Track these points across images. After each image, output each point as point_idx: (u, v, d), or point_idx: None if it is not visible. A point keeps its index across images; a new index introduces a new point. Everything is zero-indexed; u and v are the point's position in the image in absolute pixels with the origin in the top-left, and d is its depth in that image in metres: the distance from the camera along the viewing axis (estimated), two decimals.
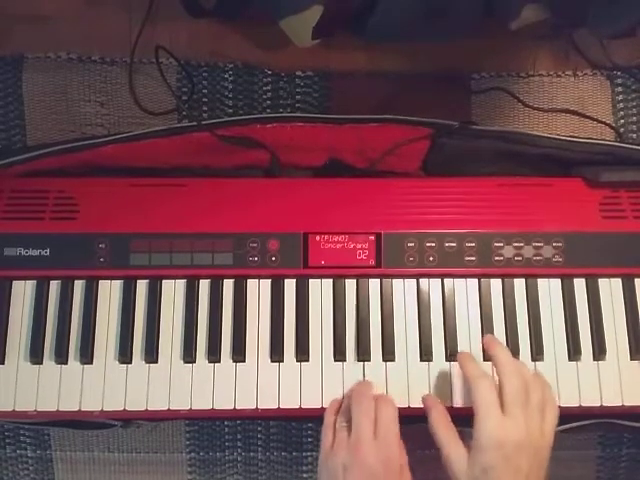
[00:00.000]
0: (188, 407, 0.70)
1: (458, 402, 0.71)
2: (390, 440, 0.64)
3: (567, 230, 0.75)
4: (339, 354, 0.72)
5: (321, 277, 0.74)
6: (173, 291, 0.73)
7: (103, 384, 0.70)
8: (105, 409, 0.70)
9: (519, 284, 0.74)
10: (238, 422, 0.88)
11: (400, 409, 0.70)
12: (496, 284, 0.74)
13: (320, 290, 0.74)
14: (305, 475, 0.90)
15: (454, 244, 0.74)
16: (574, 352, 0.72)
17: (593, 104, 0.90)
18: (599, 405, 0.72)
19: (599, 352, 0.73)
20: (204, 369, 0.71)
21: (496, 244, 0.74)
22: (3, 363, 0.71)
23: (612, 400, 0.72)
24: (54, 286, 0.73)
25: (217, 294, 0.73)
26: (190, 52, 0.88)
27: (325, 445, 0.66)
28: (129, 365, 0.71)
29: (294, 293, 0.73)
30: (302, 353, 0.72)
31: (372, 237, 0.74)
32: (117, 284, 0.73)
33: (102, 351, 0.71)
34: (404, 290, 0.74)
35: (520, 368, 0.66)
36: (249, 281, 0.74)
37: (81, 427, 0.81)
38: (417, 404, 0.71)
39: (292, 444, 0.89)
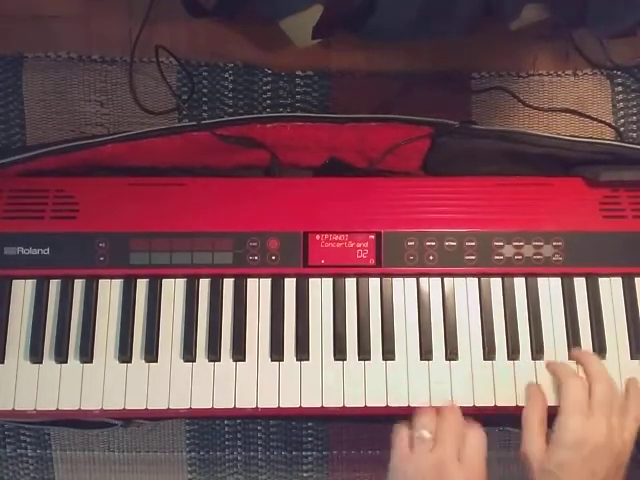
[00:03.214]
0: (188, 406, 0.70)
1: (458, 401, 0.71)
2: (474, 465, 0.63)
3: (567, 229, 0.74)
4: (339, 353, 0.72)
5: (321, 276, 0.74)
6: (173, 290, 0.73)
7: (103, 383, 0.70)
8: (105, 408, 0.70)
9: (519, 283, 0.74)
10: (238, 421, 0.89)
11: (400, 409, 0.71)
12: (496, 283, 0.74)
13: (320, 289, 0.74)
14: (305, 475, 0.90)
15: (454, 243, 0.74)
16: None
17: (593, 104, 0.90)
18: None
19: (599, 351, 0.72)
20: (204, 368, 0.71)
21: (496, 243, 0.74)
22: (3, 362, 0.71)
23: None
24: (54, 285, 0.73)
25: (217, 293, 0.73)
26: (190, 52, 0.88)
27: (401, 448, 0.65)
28: (129, 364, 0.71)
29: (294, 292, 0.73)
30: (302, 352, 0.71)
31: (372, 236, 0.74)
32: (117, 283, 0.73)
33: (102, 350, 0.71)
34: (404, 289, 0.74)
35: (608, 377, 0.67)
36: (249, 280, 0.73)
37: (81, 426, 0.81)
38: (417, 403, 0.70)
39: (292, 443, 0.89)
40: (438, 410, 0.68)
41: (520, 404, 0.70)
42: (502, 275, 0.74)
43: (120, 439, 0.88)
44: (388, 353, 0.72)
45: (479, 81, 0.90)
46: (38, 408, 0.70)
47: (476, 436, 0.65)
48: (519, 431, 0.67)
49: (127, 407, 0.70)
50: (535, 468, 0.63)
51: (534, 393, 0.69)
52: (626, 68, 0.90)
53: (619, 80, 0.90)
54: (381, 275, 0.74)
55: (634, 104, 0.90)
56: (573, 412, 0.64)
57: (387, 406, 0.70)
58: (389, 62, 0.89)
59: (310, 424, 0.89)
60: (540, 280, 0.74)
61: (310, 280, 0.74)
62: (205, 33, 0.88)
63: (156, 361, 0.71)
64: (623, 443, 0.64)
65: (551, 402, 0.69)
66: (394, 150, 0.79)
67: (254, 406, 0.70)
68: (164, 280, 0.73)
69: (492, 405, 0.71)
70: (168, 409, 0.70)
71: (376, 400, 0.71)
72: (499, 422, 0.85)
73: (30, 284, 0.73)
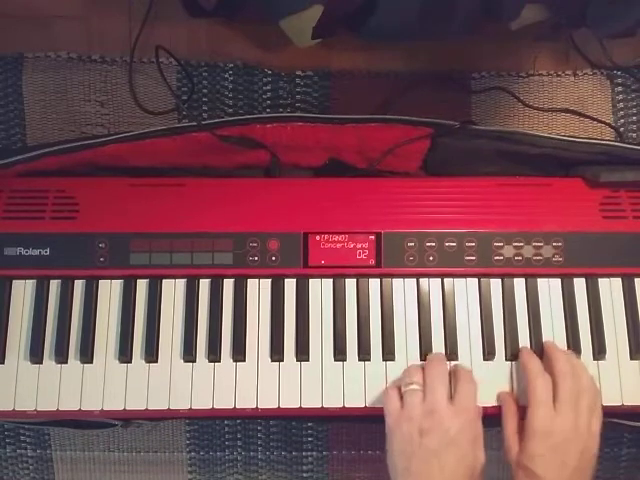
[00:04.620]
0: (188, 406, 0.70)
1: None
2: (468, 406, 0.65)
3: (567, 230, 0.75)
4: (339, 353, 0.72)
5: (321, 277, 0.74)
6: (173, 291, 0.73)
7: (103, 383, 0.70)
8: (105, 408, 0.70)
9: (519, 284, 0.74)
10: (238, 422, 0.89)
11: None
12: (496, 284, 0.74)
13: (320, 290, 0.74)
14: (305, 475, 0.90)
15: (454, 244, 0.74)
16: (574, 352, 0.72)
17: (593, 104, 0.90)
18: None
19: (599, 352, 0.73)
20: (204, 368, 0.71)
21: (496, 244, 0.74)
22: (3, 363, 0.71)
23: (612, 400, 0.71)
24: (54, 286, 0.73)
25: (217, 294, 0.73)
26: (190, 52, 0.88)
27: (392, 408, 0.66)
28: (129, 364, 0.71)
29: (294, 293, 0.73)
30: (302, 353, 0.72)
31: (372, 237, 0.74)
32: (117, 284, 0.73)
33: (102, 350, 0.71)
34: (404, 290, 0.74)
35: (578, 371, 0.68)
36: (249, 281, 0.74)
37: (81, 427, 0.81)
38: None
39: (292, 444, 0.89)
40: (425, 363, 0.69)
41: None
42: (502, 275, 0.74)
43: (120, 439, 0.88)
44: (388, 353, 0.72)
45: (479, 81, 0.90)
46: (38, 408, 0.70)
47: (466, 378, 0.67)
48: None
49: (127, 407, 0.70)
50: (513, 464, 0.65)
51: (506, 400, 0.70)
52: (626, 68, 0.90)
53: (619, 80, 0.90)
54: (381, 275, 0.74)
55: (634, 104, 0.90)
56: (538, 407, 0.65)
57: None
58: (389, 62, 0.89)
59: (310, 424, 0.89)
60: (540, 281, 0.74)
61: (310, 280, 0.74)
62: (205, 33, 0.88)
63: (156, 361, 0.71)
64: (590, 436, 0.65)
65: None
66: (394, 150, 0.79)
67: (254, 406, 0.70)
68: (164, 280, 0.73)
69: (492, 405, 0.71)
70: (168, 409, 0.70)
71: (376, 400, 0.71)
72: (499, 422, 0.85)
73: (30, 284, 0.73)
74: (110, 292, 0.73)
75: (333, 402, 0.71)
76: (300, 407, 0.71)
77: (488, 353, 0.72)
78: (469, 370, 0.70)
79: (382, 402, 0.69)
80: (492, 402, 0.71)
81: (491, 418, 0.72)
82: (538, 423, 0.65)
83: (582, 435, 0.65)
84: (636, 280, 0.75)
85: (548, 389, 0.66)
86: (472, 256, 0.74)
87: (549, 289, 0.74)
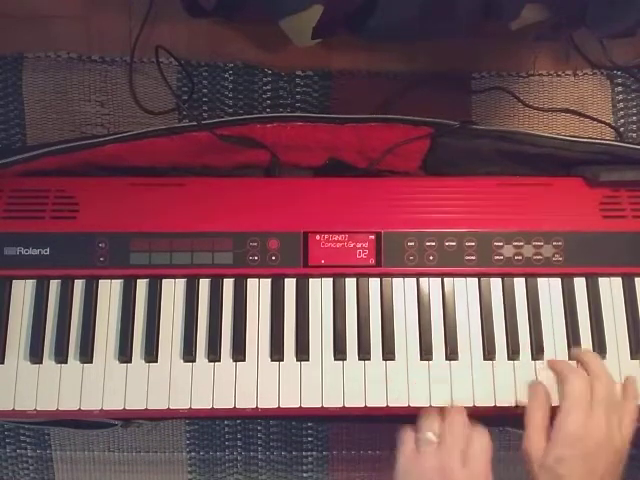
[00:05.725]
0: (188, 406, 0.70)
1: (458, 401, 0.71)
2: (480, 471, 0.64)
3: (567, 229, 0.75)
4: (339, 353, 0.72)
5: (321, 276, 0.74)
6: (173, 290, 0.73)
7: (103, 383, 0.70)
8: (105, 408, 0.70)
9: (519, 283, 0.74)
10: (238, 421, 0.89)
11: (400, 409, 0.71)
12: (496, 283, 0.74)
13: (320, 289, 0.74)
14: (305, 475, 0.90)
15: (454, 243, 0.74)
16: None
17: (593, 104, 0.90)
18: None
19: (599, 351, 0.72)
20: (204, 368, 0.71)
21: (496, 243, 0.74)
22: (3, 362, 0.71)
23: None
24: (54, 285, 0.73)
25: (217, 293, 0.73)
26: (190, 52, 0.88)
27: (407, 450, 0.66)
28: (129, 364, 0.71)
29: (294, 292, 0.73)
30: (302, 352, 0.71)
31: (372, 236, 0.74)
32: (117, 283, 0.73)
33: (102, 350, 0.71)
34: (404, 289, 0.74)
35: (608, 375, 0.68)
36: (249, 280, 0.73)
37: (81, 427, 0.81)
38: (416, 403, 0.70)
39: (292, 444, 0.89)
40: (443, 411, 0.68)
41: (520, 404, 0.70)
42: (502, 275, 0.74)
43: (120, 439, 0.88)
44: (388, 353, 0.72)
45: (479, 81, 0.90)
46: (38, 408, 0.70)
47: (481, 439, 0.66)
48: (519, 431, 0.68)
49: (127, 407, 0.70)
50: (535, 464, 0.64)
51: (538, 391, 0.69)
52: (626, 68, 0.90)
53: (619, 80, 0.90)
54: (381, 275, 0.74)
55: (634, 104, 0.90)
56: (575, 409, 0.64)
57: (387, 406, 0.70)
58: (389, 62, 0.89)
59: (310, 424, 0.89)
60: (540, 280, 0.74)
61: (310, 280, 0.74)
62: (205, 33, 0.88)
63: (156, 361, 0.71)
64: (622, 441, 0.64)
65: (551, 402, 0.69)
66: (394, 150, 0.79)
67: (254, 406, 0.70)
68: (164, 280, 0.73)
69: (492, 405, 0.71)
70: (168, 409, 0.70)
71: (376, 400, 0.71)
72: (499, 422, 0.85)
73: (30, 284, 0.73)
74: (110, 292, 0.73)
75: (333, 402, 0.71)
76: (300, 407, 0.70)
77: (488, 353, 0.72)
78: (484, 431, 0.67)
79: (382, 401, 0.70)
80: (491, 402, 0.71)
81: (491, 418, 0.73)
82: (572, 426, 0.63)
83: (614, 440, 0.63)
84: (636, 279, 0.75)
85: (587, 390, 0.65)
86: (472, 256, 0.74)
87: (549, 289, 0.74)
